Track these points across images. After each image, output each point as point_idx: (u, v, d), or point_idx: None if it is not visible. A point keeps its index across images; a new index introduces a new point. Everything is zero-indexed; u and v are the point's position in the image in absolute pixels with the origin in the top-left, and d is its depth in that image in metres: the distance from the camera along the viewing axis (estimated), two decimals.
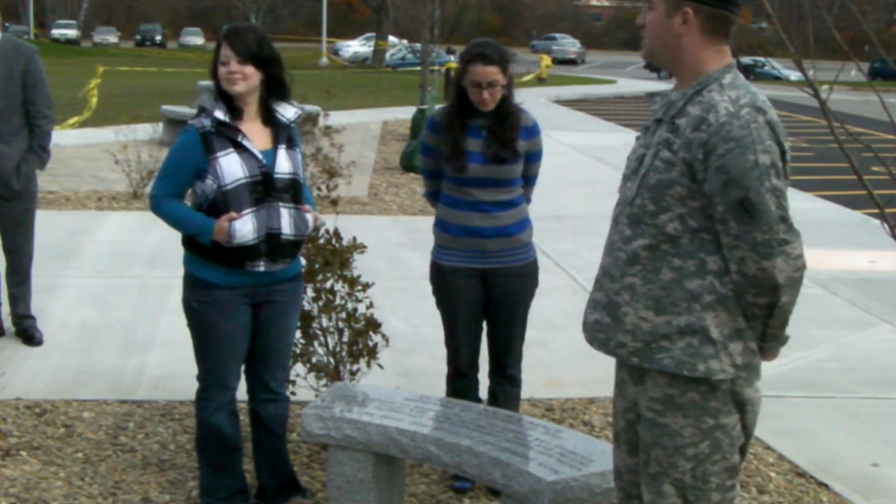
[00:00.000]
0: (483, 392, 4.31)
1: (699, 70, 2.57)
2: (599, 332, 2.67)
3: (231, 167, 3.56)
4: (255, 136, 3.65)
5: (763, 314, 2.55)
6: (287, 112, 3.72)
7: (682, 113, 2.53)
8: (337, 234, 4.52)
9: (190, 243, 3.68)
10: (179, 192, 3.67)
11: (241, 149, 3.59)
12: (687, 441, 2.57)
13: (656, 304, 2.55)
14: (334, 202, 4.57)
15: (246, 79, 3.58)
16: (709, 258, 2.52)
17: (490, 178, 4.02)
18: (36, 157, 5.62)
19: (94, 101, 17.39)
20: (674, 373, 2.55)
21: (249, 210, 3.56)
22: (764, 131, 2.46)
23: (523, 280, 4.15)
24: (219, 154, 3.56)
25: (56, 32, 58.41)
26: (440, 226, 4.15)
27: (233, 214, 3.54)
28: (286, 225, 3.64)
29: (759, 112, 2.47)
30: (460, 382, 4.23)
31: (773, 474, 4.51)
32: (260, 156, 3.61)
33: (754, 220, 2.44)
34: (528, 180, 4.18)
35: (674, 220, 2.52)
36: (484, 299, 4.14)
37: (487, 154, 3.99)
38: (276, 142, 3.68)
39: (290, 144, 3.72)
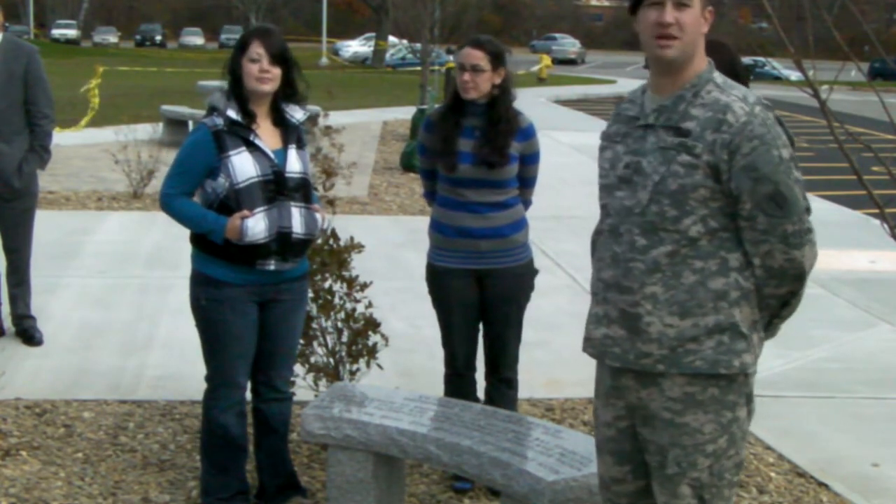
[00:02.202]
0: (481, 393, 4.31)
1: (695, 70, 2.59)
2: (612, 346, 2.65)
3: (244, 166, 3.57)
4: (266, 136, 3.67)
5: (778, 304, 2.61)
6: (296, 113, 3.74)
7: (686, 116, 2.53)
8: (334, 234, 4.52)
9: (199, 241, 3.69)
10: (190, 190, 3.68)
11: (253, 148, 3.61)
12: (707, 438, 2.59)
13: (681, 309, 2.55)
14: (331, 202, 4.57)
15: (274, 79, 3.62)
16: (730, 255, 2.56)
17: (481, 180, 4.01)
18: (37, 156, 5.62)
19: (97, 101, 17.37)
20: (707, 373, 2.56)
21: (261, 209, 3.58)
22: (778, 127, 2.55)
23: (518, 281, 4.13)
24: (231, 153, 3.58)
25: (56, 32, 58.43)
26: (435, 227, 4.16)
27: (245, 213, 3.55)
28: (297, 224, 3.65)
29: (768, 109, 2.56)
30: (457, 383, 4.23)
31: (773, 474, 4.51)
32: (272, 155, 3.62)
33: (785, 213, 2.51)
34: (527, 182, 4.17)
35: (697, 222, 2.53)
36: (479, 300, 4.13)
37: (478, 156, 3.99)
38: (286, 142, 3.71)
39: (300, 144, 3.76)
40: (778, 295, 2.59)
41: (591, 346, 2.71)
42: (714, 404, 2.58)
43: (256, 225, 3.56)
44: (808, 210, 2.56)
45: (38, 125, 5.60)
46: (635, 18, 2.63)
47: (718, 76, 2.59)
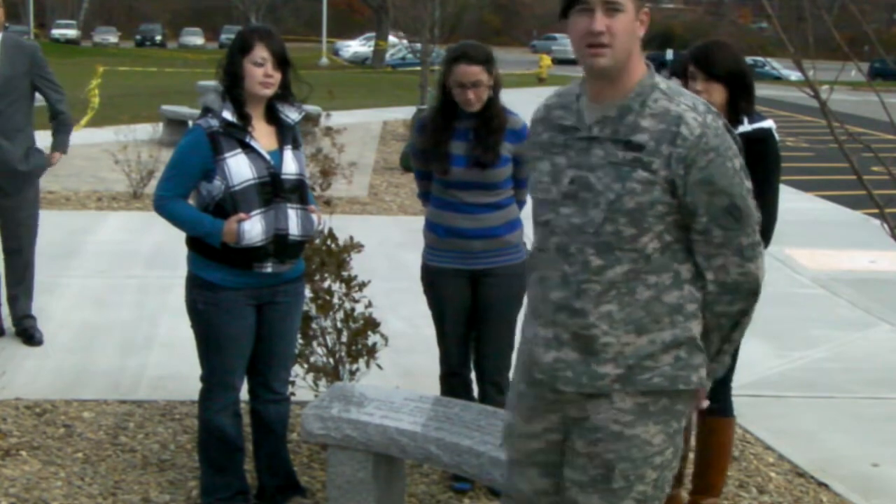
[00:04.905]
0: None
1: (635, 76, 2.46)
2: (564, 370, 2.51)
3: (239, 168, 3.55)
4: (261, 136, 3.64)
5: (729, 326, 2.52)
6: (291, 113, 3.72)
7: (636, 129, 2.41)
8: (332, 234, 4.52)
9: (195, 244, 3.68)
10: (185, 192, 3.66)
11: (248, 149, 3.58)
12: (656, 449, 2.52)
13: (637, 326, 2.45)
14: (328, 202, 4.57)
15: (276, 83, 3.59)
16: (682, 267, 2.49)
17: (474, 182, 4.01)
18: (64, 135, 5.84)
19: (97, 100, 17.38)
20: (668, 389, 2.49)
21: (258, 211, 3.56)
22: (728, 135, 2.46)
23: (511, 281, 4.11)
24: (227, 155, 3.55)
25: (56, 32, 58.45)
26: (428, 227, 4.16)
27: (241, 216, 3.53)
28: (294, 226, 3.63)
29: (718, 117, 2.47)
30: (452, 382, 4.23)
31: (773, 474, 4.51)
32: (268, 156, 3.60)
33: (741, 225, 2.45)
34: (521, 182, 4.14)
35: (653, 239, 2.44)
36: (472, 300, 4.13)
37: (471, 157, 3.98)
38: (281, 142, 3.68)
39: (296, 145, 3.73)
40: (730, 313, 2.50)
41: (539, 371, 2.55)
42: (664, 415, 2.51)
43: (253, 228, 3.54)
44: (757, 221, 2.49)
45: (59, 116, 5.77)
46: (566, 23, 2.48)
47: (661, 81, 2.48)
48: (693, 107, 2.43)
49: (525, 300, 2.71)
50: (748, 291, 2.49)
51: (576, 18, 2.43)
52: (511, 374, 3.76)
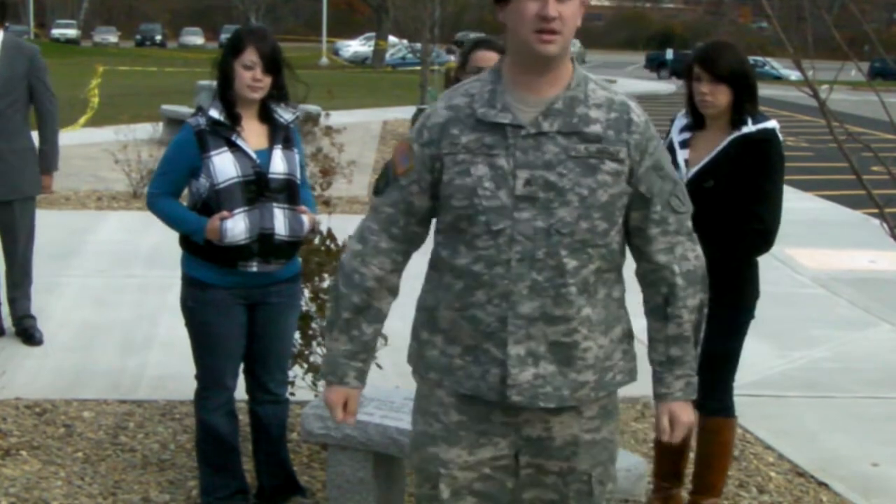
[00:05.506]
0: None
1: (570, 66, 2.37)
2: (542, 386, 2.36)
3: (224, 166, 3.54)
4: (252, 135, 3.63)
5: (697, 321, 2.48)
6: (285, 113, 3.71)
7: (587, 120, 2.32)
8: (331, 235, 4.51)
9: (186, 243, 3.68)
10: (175, 190, 3.67)
11: (235, 148, 3.58)
12: (614, 445, 2.54)
13: (605, 326, 2.41)
14: (327, 202, 4.56)
15: (266, 87, 3.59)
16: (621, 260, 2.47)
17: None
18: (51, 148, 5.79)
19: (97, 100, 17.39)
20: (628, 383, 2.51)
21: (241, 209, 3.55)
22: None
23: None
24: (212, 153, 3.55)
25: (56, 32, 58.46)
26: None
27: (224, 213, 3.52)
28: (280, 225, 3.61)
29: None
30: None
31: (773, 474, 4.51)
32: (254, 155, 3.59)
33: (686, 208, 2.46)
34: None
35: (618, 233, 2.39)
36: None
37: None
38: (272, 142, 3.66)
39: (288, 145, 3.70)
40: (697, 307, 2.45)
41: (517, 394, 2.36)
42: (615, 409, 2.52)
43: (236, 226, 3.53)
44: None
45: (45, 122, 5.71)
46: (502, 8, 2.32)
47: (588, 71, 2.42)
48: (627, 95, 2.44)
49: (445, 324, 2.51)
50: (703, 277, 2.48)
51: (522, 3, 2.26)
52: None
